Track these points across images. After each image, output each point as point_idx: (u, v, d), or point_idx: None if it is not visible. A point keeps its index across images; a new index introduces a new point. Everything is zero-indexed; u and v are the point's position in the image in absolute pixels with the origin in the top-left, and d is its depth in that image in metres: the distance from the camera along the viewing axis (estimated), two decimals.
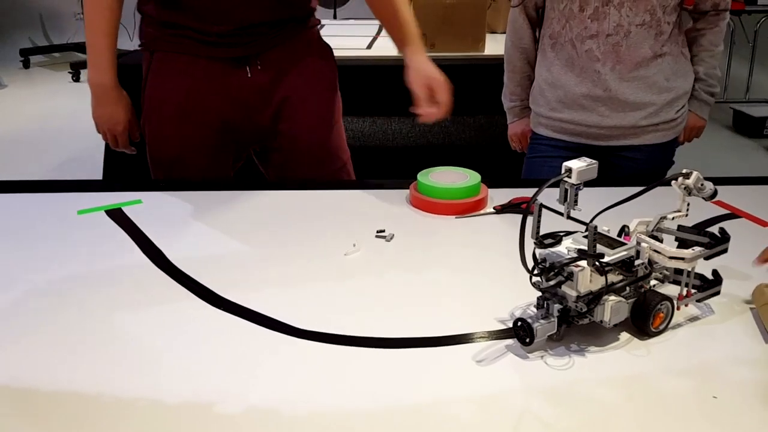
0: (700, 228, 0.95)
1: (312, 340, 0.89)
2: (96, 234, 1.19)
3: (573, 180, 0.85)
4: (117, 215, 1.26)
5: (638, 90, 1.51)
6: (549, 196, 0.91)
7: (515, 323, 0.86)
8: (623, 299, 0.86)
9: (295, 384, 0.81)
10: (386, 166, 2.98)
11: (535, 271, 0.85)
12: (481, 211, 1.28)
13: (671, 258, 0.89)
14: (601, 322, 0.86)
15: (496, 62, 2.54)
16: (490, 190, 1.33)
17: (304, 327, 0.92)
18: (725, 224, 1.20)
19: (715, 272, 0.96)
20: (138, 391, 0.79)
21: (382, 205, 1.31)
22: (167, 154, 1.51)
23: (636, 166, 1.55)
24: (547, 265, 0.84)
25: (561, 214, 0.90)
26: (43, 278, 1.04)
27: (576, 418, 0.75)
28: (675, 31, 1.53)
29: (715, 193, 0.93)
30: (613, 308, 0.85)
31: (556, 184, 0.85)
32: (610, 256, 0.85)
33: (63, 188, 1.38)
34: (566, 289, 0.84)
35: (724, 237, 0.92)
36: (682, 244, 0.92)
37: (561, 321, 0.85)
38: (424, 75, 1.39)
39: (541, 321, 0.84)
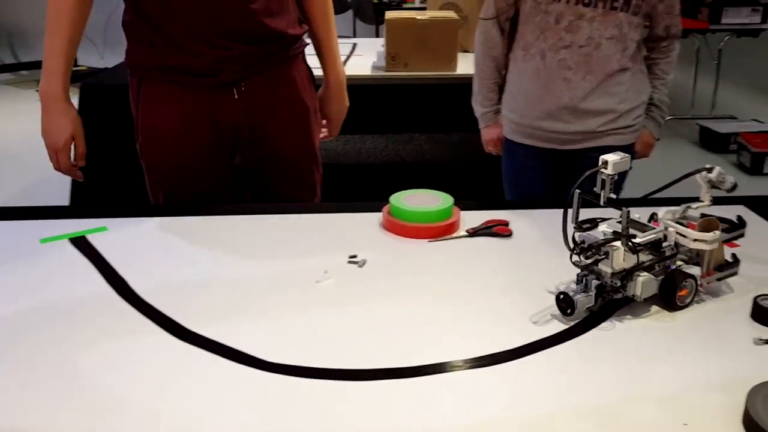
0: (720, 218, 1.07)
1: (283, 374, 0.87)
2: (59, 264, 1.15)
3: (609, 171, 0.99)
4: (81, 243, 1.22)
5: (602, 99, 1.63)
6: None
7: (558, 296, 0.99)
8: (653, 276, 0.99)
9: (265, 420, 0.78)
10: (360, 184, 2.97)
11: (575, 251, 0.99)
12: (454, 235, 1.26)
13: (695, 240, 1.01)
14: (633, 296, 0.99)
15: (469, 81, 2.55)
16: (462, 212, 1.32)
17: (274, 360, 0.89)
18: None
19: (733, 255, 1.07)
20: None
21: (355, 229, 1.29)
22: (168, 177, 1.51)
23: (595, 165, 1.68)
24: (586, 245, 0.98)
25: (598, 203, 1.02)
26: (0, 311, 1.00)
27: None
28: (637, 48, 1.66)
29: (735, 186, 1.06)
30: (644, 284, 0.97)
31: (591, 177, 1.01)
32: (641, 237, 0.99)
33: (25, 215, 1.34)
34: (602, 267, 0.98)
35: (741, 223, 1.08)
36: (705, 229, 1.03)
37: (598, 295, 0.98)
38: (324, 111, 1.65)
39: (581, 294, 0.97)
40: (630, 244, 0.97)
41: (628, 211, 0.98)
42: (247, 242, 1.24)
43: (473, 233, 1.27)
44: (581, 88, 1.61)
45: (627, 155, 0.99)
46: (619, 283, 0.98)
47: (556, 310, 1.01)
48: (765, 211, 1.38)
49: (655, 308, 1.01)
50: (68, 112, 1.43)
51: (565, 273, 1.12)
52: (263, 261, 1.17)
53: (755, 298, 0.99)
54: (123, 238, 1.24)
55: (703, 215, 1.04)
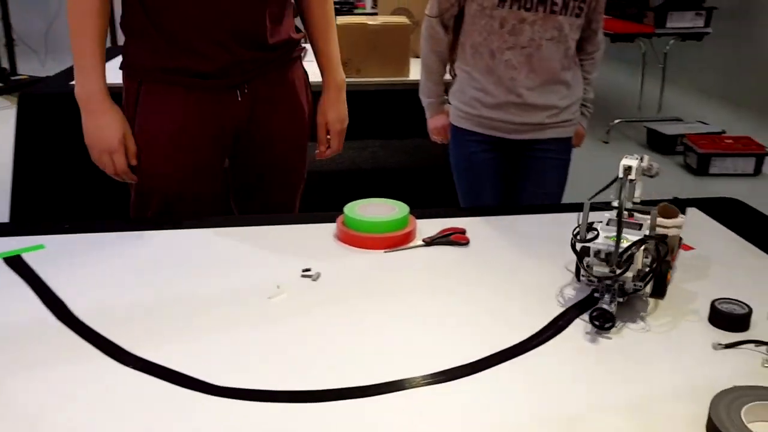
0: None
1: (234, 398, 0.82)
2: None
3: (632, 176, 1.01)
4: (16, 263, 1.15)
5: (545, 96, 1.72)
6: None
7: (592, 315, 0.95)
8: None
9: None
10: (314, 193, 2.92)
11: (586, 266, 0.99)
12: (411, 244, 1.23)
13: (672, 227, 1.07)
14: (644, 293, 1.01)
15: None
16: (418, 221, 1.29)
17: (224, 383, 0.85)
18: None
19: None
20: None
21: (308, 241, 1.25)
22: (162, 185, 1.45)
23: (546, 156, 1.80)
24: (614, 257, 0.97)
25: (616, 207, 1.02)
26: None
27: None
28: (575, 48, 1.76)
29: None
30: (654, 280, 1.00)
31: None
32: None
33: None
34: (627, 272, 0.97)
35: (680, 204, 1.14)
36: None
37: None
38: (326, 118, 1.59)
39: (613, 306, 0.96)
40: (660, 245, 0.99)
41: (656, 212, 1.02)
42: (194, 257, 1.18)
43: (430, 242, 1.24)
44: (526, 86, 1.70)
45: (639, 159, 1.04)
46: (641, 284, 0.98)
47: (515, 320, 0.99)
48: (715, 213, 1.40)
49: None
50: (114, 110, 1.37)
51: (523, 281, 1.10)
52: (212, 277, 1.12)
53: (713, 302, 0.98)
54: (61, 257, 1.17)
55: (643, 203, 1.07)
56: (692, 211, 1.39)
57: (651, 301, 1.04)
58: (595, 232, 1.01)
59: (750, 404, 0.76)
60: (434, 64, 1.83)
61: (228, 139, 1.48)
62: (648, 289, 1.00)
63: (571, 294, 1.07)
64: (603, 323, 0.95)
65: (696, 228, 1.30)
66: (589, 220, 1.02)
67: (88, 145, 1.37)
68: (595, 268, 0.98)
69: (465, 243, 1.24)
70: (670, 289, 1.07)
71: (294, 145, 1.58)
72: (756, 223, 1.37)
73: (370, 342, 0.94)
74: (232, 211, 1.64)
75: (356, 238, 1.23)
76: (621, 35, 4.44)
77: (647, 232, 1.01)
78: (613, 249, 0.97)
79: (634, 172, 1.01)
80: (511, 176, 1.84)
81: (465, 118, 1.79)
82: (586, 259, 1.00)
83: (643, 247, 0.98)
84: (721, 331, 0.96)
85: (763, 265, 1.18)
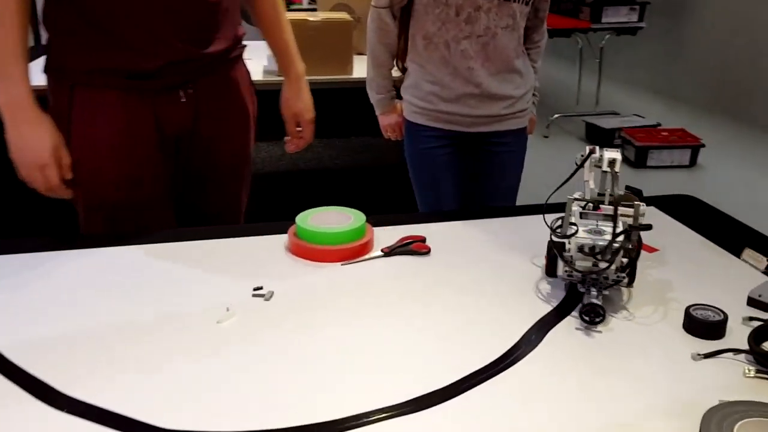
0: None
1: None
2: None
3: (617, 168, 1.03)
4: None
5: (502, 85, 1.71)
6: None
7: (582, 312, 0.94)
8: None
9: None
10: (256, 196, 2.82)
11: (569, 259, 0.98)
12: (369, 255, 1.16)
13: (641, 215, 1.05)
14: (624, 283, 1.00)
15: (365, 85, 2.46)
16: (375, 229, 1.22)
17: (170, 425, 0.75)
18: None
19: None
20: None
21: (258, 256, 1.16)
22: (109, 196, 1.32)
23: (501, 150, 1.79)
24: (589, 248, 0.97)
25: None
26: None
27: None
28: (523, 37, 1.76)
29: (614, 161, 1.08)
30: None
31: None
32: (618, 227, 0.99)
33: None
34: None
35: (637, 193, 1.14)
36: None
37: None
38: (293, 110, 1.54)
39: (600, 298, 0.95)
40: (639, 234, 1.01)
41: (639, 203, 1.02)
42: (135, 277, 1.08)
43: (389, 252, 1.17)
44: (483, 76, 1.67)
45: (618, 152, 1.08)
46: (623, 275, 0.98)
47: (484, 337, 0.93)
48: (672, 211, 1.38)
49: (581, 329, 0.95)
50: (43, 119, 1.22)
51: (490, 290, 1.04)
52: (153, 300, 1.01)
53: (687, 309, 0.95)
54: None
55: (599, 194, 1.08)
56: (651, 210, 1.36)
57: (625, 310, 1.00)
58: (575, 227, 1.00)
59: (742, 421, 0.73)
60: (384, 57, 1.79)
61: (171, 142, 1.38)
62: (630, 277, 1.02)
63: (540, 301, 1.01)
64: (593, 318, 0.94)
65: (656, 227, 1.27)
66: (554, 216, 1.03)
67: (15, 161, 1.22)
68: (578, 263, 0.97)
69: (426, 252, 1.17)
70: (643, 296, 1.03)
71: (240, 148, 1.49)
72: (714, 220, 1.36)
73: (330, 369, 0.86)
74: (174, 219, 1.53)
75: (310, 250, 1.14)
76: (558, 30, 4.47)
77: (621, 223, 0.99)
78: (597, 243, 0.97)
79: (618, 164, 1.03)
80: (469, 170, 1.82)
81: (421, 114, 1.76)
82: (566, 254, 0.98)
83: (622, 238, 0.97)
84: (698, 340, 0.92)
85: (729, 263, 1.16)
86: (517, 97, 1.74)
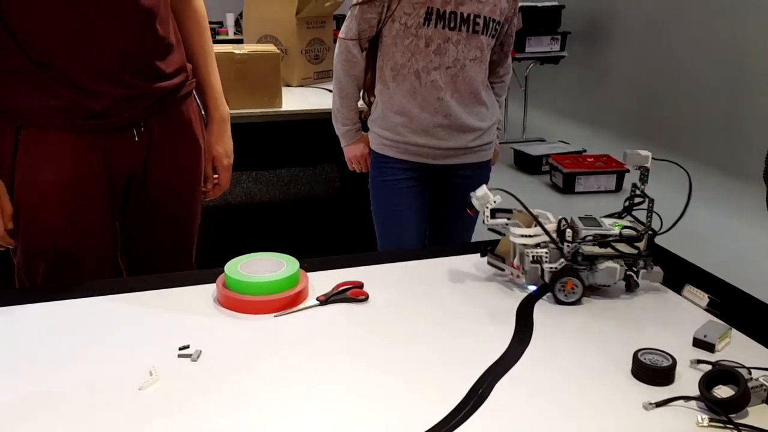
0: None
1: None
2: None
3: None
4: None
5: (470, 116, 1.73)
6: None
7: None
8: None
9: None
10: None
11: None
12: (303, 305, 1.09)
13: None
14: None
15: (294, 118, 2.39)
16: (310, 275, 1.16)
17: None
18: None
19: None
20: None
21: (184, 310, 1.07)
22: (53, 248, 1.23)
23: (466, 182, 1.77)
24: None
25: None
26: None
27: None
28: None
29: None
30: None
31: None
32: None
33: None
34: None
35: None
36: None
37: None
38: (212, 153, 1.48)
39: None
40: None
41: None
42: (43, 338, 0.97)
43: (325, 301, 1.10)
44: (453, 107, 1.69)
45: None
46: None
47: (426, 387, 0.87)
48: None
49: (530, 372, 0.91)
50: None
51: (432, 337, 0.99)
52: (67, 364, 0.91)
53: (635, 354, 0.92)
54: None
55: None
56: None
57: (572, 358, 0.97)
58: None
59: None
60: (351, 88, 1.78)
61: (122, 182, 1.31)
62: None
63: (486, 349, 0.97)
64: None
65: None
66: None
67: None
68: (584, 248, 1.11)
69: (364, 298, 1.12)
70: (590, 339, 1.00)
71: (192, 185, 1.43)
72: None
73: None
74: (120, 263, 1.44)
75: (240, 302, 1.07)
76: None
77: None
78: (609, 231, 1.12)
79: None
80: (432, 202, 1.82)
81: (389, 146, 1.76)
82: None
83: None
84: (647, 386, 0.89)
85: (666, 298, 1.14)
86: (484, 129, 1.76)
